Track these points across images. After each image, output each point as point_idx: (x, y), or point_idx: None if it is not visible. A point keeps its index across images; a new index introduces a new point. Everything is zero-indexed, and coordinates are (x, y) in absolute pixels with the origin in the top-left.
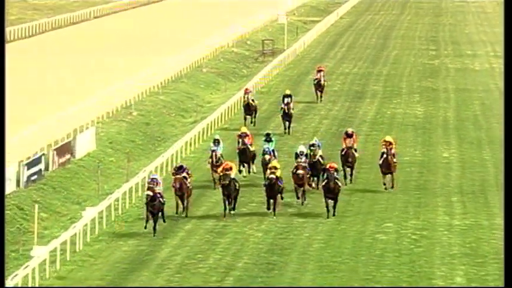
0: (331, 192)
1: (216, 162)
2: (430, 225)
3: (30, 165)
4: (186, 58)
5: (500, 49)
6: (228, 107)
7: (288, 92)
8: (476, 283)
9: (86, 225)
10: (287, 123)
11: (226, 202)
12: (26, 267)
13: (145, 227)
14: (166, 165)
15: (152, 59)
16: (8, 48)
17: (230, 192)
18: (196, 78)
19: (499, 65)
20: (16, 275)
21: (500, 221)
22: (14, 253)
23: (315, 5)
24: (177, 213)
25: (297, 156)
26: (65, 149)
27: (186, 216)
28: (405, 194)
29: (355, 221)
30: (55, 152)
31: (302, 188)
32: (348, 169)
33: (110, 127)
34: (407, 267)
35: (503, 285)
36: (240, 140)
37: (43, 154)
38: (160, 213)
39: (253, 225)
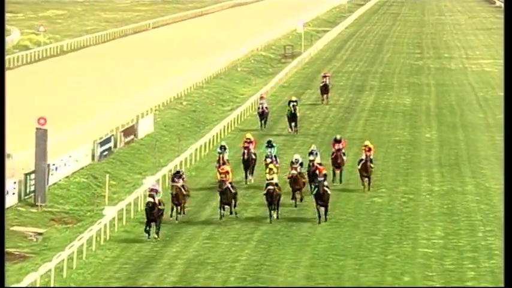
0: (321, 199)
1: (223, 165)
2: (415, 191)
3: (102, 143)
4: (225, 60)
5: (471, 52)
6: (256, 99)
7: (294, 98)
8: (451, 236)
9: (145, 190)
10: (293, 123)
11: (223, 209)
12: (99, 223)
13: (146, 230)
14: (209, 144)
15: (198, 60)
16: (85, 52)
17: (228, 199)
18: (232, 76)
19: (470, 65)
20: (81, 237)
21: (471, 187)
22: (90, 212)
23: (326, 18)
24: (171, 216)
25: (292, 163)
26: (130, 130)
27: (184, 213)
28: (396, 166)
29: (356, 188)
30: (122, 133)
31: (298, 191)
32: (338, 171)
33: (164, 114)
34: (397, 223)
35: (503, 286)
36: (246, 151)
37: (112, 135)
38: (159, 220)
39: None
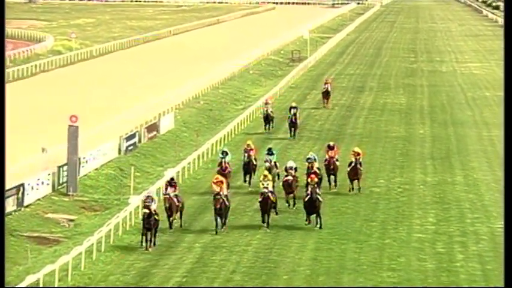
0: (313, 207)
1: (224, 169)
2: (410, 181)
3: (128, 138)
4: (238, 63)
5: (461, 57)
6: (267, 98)
7: (294, 104)
8: (442, 222)
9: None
10: (293, 129)
11: (218, 220)
12: (125, 210)
13: (141, 243)
14: (224, 139)
15: (214, 64)
16: (112, 56)
17: (222, 212)
18: (245, 77)
19: (459, 68)
20: (109, 223)
21: (460, 178)
22: (116, 201)
23: (329, 26)
24: (171, 228)
25: (286, 169)
26: (153, 127)
27: (181, 226)
28: (392, 159)
29: None
30: (145, 130)
31: (292, 195)
32: (332, 176)
33: (184, 112)
34: (394, 211)
35: (503, 286)
36: (246, 154)
37: (137, 131)
38: (154, 230)
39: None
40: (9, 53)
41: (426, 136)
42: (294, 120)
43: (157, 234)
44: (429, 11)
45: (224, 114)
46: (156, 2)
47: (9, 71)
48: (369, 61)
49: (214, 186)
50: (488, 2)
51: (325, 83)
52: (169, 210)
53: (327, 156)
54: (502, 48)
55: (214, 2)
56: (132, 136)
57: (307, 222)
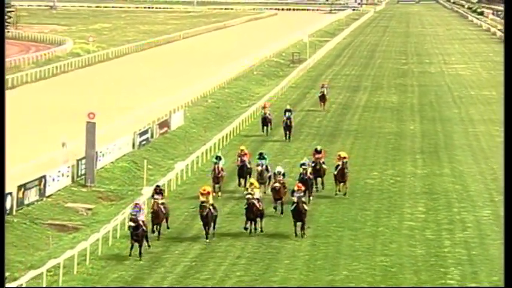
0: (299, 215)
1: (218, 174)
2: (401, 173)
3: (141, 134)
4: (243, 64)
5: (448, 58)
6: (270, 97)
7: (288, 107)
8: (431, 211)
9: (177, 173)
10: (288, 132)
11: (206, 229)
12: (139, 200)
13: (130, 254)
14: (230, 134)
15: (220, 65)
16: (126, 58)
17: (208, 221)
18: (249, 78)
19: (446, 69)
20: (124, 212)
21: (447, 171)
22: (130, 191)
23: (327, 30)
24: (153, 232)
25: (274, 175)
26: (164, 123)
27: (159, 234)
28: (385, 153)
29: (352, 171)
30: (157, 126)
31: (280, 201)
32: (319, 179)
33: (193, 110)
34: (386, 200)
35: (503, 286)
36: (239, 158)
37: (149, 127)
38: (145, 239)
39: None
40: (31, 55)
41: (416, 132)
42: (288, 123)
43: (149, 243)
44: (419, 16)
45: (230, 112)
46: (167, 8)
47: (32, 72)
48: (363, 63)
49: (201, 197)
50: (473, 8)
51: (322, 87)
52: (156, 218)
53: (313, 160)
54: (485, 50)
55: (221, 9)
56: (145, 132)
57: (295, 233)
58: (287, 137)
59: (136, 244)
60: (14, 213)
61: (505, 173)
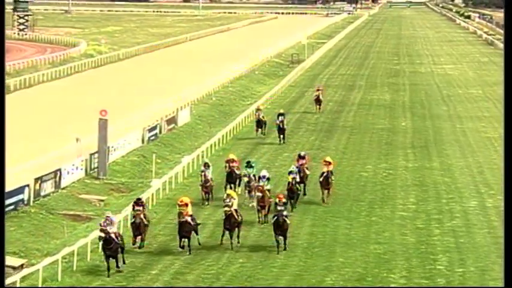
0: (280, 229)
1: (205, 182)
2: (394, 167)
3: (150, 130)
4: (245, 64)
5: (437, 59)
6: (270, 95)
7: (281, 111)
8: (422, 202)
9: (183, 167)
10: (281, 136)
11: (182, 240)
12: (148, 192)
13: (108, 275)
14: (233, 130)
15: (224, 65)
16: (136, 59)
17: (185, 230)
18: (251, 77)
19: (436, 69)
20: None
21: (436, 164)
22: (140, 184)
23: (324, 33)
24: (134, 244)
25: (259, 179)
26: (171, 120)
27: (139, 247)
28: (378, 147)
29: (348, 164)
30: (165, 122)
31: (264, 210)
32: (302, 184)
33: (198, 107)
34: (380, 192)
35: (503, 286)
36: (227, 165)
37: (158, 123)
38: (118, 256)
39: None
40: (47, 56)
41: (407, 128)
42: (281, 126)
43: (124, 255)
44: (410, 20)
45: (233, 109)
46: (175, 12)
47: (48, 72)
48: (358, 63)
49: (178, 208)
50: (461, 12)
51: (317, 90)
52: (138, 230)
53: (297, 165)
54: (472, 52)
55: (225, 13)
56: (154, 128)
57: (276, 245)
58: (281, 140)
59: (112, 260)
60: (31, 204)
61: (505, 173)
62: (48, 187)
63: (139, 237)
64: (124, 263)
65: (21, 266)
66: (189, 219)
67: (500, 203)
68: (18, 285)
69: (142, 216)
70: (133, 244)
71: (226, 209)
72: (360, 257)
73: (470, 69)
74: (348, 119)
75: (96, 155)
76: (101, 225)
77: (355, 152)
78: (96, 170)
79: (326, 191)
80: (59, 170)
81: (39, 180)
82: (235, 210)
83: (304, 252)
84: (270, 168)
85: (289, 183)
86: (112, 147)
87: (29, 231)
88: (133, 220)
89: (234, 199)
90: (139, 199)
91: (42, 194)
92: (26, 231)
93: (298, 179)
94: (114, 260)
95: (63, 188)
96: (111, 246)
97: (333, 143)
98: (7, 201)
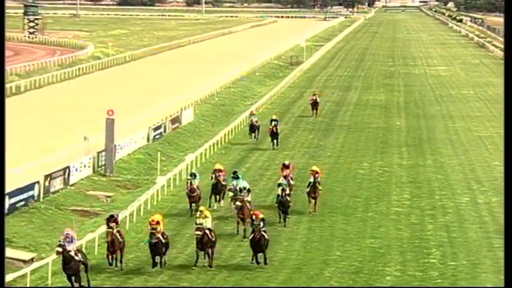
0: (257, 245)
1: (191, 192)
2: (389, 164)
3: (155, 129)
4: (246, 66)
5: (431, 61)
6: (270, 96)
7: (274, 117)
8: (416, 198)
9: (187, 164)
10: (275, 140)
11: (155, 258)
12: (153, 188)
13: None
14: (235, 129)
15: (226, 67)
16: (142, 61)
17: (158, 251)
18: (252, 78)
19: (429, 70)
20: (140, 199)
21: (430, 162)
22: (146, 181)
23: (322, 36)
24: (110, 264)
25: (240, 191)
26: (176, 119)
27: (121, 269)
28: (374, 146)
29: (345, 162)
30: (170, 121)
31: (243, 222)
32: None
33: (201, 107)
34: (375, 188)
35: (503, 286)
36: (214, 175)
37: (163, 122)
38: (79, 275)
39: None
40: (57, 58)
41: (402, 127)
42: (275, 131)
43: (87, 274)
44: (404, 23)
45: (235, 109)
46: (178, 16)
47: (57, 73)
48: (354, 65)
49: (150, 228)
50: (453, 16)
51: (313, 94)
52: (112, 246)
53: (282, 175)
54: (464, 54)
55: (227, 16)
56: (159, 127)
57: (253, 262)
58: (274, 145)
59: (73, 278)
60: (41, 200)
61: (505, 173)
62: (57, 184)
63: (115, 255)
64: (88, 281)
65: (32, 260)
66: (161, 237)
67: (491, 199)
68: (17, 286)
69: (116, 232)
70: (110, 263)
71: (198, 233)
72: (357, 251)
73: (462, 70)
74: (344, 118)
75: (103, 153)
76: (59, 242)
77: (352, 150)
78: (103, 167)
79: (313, 200)
80: (68, 167)
81: (49, 177)
82: (209, 229)
83: (303, 247)
84: (263, 174)
85: (278, 195)
86: (118, 145)
87: (39, 226)
88: (106, 239)
89: (208, 217)
90: (112, 216)
91: (52, 190)
92: (36, 226)
93: (288, 191)
94: (76, 280)
95: (72, 185)
96: (70, 266)
97: (330, 142)
98: (18, 198)
